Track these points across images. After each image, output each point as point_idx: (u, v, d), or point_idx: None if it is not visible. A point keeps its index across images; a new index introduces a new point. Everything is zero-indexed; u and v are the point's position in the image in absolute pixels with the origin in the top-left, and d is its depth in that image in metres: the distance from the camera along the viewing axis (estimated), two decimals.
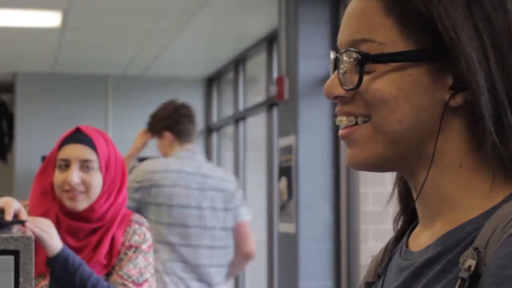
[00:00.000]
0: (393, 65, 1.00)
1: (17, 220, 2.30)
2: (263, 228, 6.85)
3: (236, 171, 7.89)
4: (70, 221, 2.62)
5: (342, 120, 1.04)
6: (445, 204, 1.02)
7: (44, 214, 2.63)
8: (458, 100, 0.99)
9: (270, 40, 6.81)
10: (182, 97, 9.06)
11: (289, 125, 5.42)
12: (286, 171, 5.46)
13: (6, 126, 9.31)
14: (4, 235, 1.71)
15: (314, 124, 5.28)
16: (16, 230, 2.30)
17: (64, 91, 8.70)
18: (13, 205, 2.31)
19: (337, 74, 1.03)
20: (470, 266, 0.93)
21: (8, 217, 2.26)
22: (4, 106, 9.39)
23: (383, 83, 1.00)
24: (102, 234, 2.63)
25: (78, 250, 2.60)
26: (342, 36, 1.04)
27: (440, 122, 0.99)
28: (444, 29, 0.98)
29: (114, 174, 2.66)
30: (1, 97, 9.45)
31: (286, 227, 5.47)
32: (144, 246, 2.65)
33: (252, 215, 4.46)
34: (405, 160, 1.02)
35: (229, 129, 8.42)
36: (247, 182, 7.80)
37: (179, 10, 6.02)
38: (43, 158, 9.18)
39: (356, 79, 1.01)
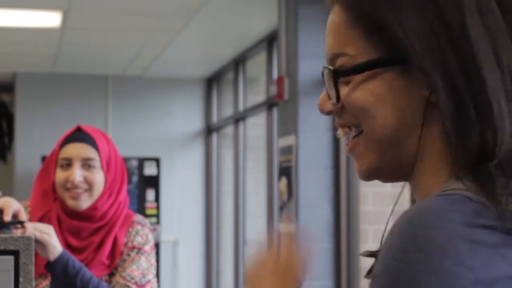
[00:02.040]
0: (365, 74, 1.03)
1: (16, 220, 2.29)
2: (263, 228, 6.85)
3: (236, 171, 7.89)
4: (71, 221, 2.62)
5: (340, 133, 1.09)
6: (420, 198, 1.03)
7: (45, 215, 2.63)
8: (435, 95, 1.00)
9: (270, 40, 6.81)
10: (182, 97, 9.11)
11: (289, 125, 5.42)
12: (286, 171, 5.46)
13: (6, 126, 9.31)
14: (4, 235, 1.71)
15: (314, 124, 5.28)
16: (15, 231, 2.30)
17: (64, 91, 8.70)
18: (12, 206, 2.31)
19: (325, 90, 1.08)
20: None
21: (7, 217, 2.26)
22: (4, 106, 9.39)
23: (359, 93, 1.03)
24: (104, 234, 2.63)
25: (80, 250, 2.60)
26: (325, 51, 1.09)
27: (422, 116, 1.01)
28: (394, 36, 1.00)
29: (115, 172, 2.66)
30: (1, 97, 9.45)
31: (286, 227, 5.47)
32: (147, 247, 2.66)
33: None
34: (400, 163, 1.04)
35: (229, 129, 8.42)
36: (247, 182, 7.80)
37: (179, 10, 6.02)
38: (43, 158, 9.28)
39: (335, 93, 1.06)
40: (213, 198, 8.88)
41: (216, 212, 8.86)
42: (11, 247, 1.69)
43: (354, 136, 1.06)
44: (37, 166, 8.03)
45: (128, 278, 2.59)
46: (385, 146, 1.03)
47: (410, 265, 0.87)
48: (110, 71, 8.67)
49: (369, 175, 1.07)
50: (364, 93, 1.03)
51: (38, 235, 2.38)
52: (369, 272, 0.99)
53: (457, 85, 0.97)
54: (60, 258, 2.45)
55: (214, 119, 8.95)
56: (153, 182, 8.64)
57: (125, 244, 2.64)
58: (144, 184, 8.60)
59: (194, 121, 9.02)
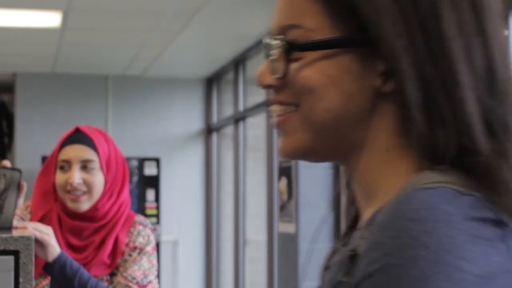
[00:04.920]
0: (321, 52, 0.97)
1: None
2: (263, 228, 6.85)
3: (236, 171, 7.90)
4: (72, 221, 2.63)
5: (275, 109, 1.02)
6: (373, 189, 0.99)
7: (46, 215, 2.64)
8: (390, 86, 0.96)
9: None
10: (182, 97, 9.12)
11: None
12: (286, 171, 5.46)
13: (6, 126, 9.31)
14: (4, 235, 1.71)
15: None
16: (15, 231, 2.29)
17: (64, 91, 8.70)
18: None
19: (268, 62, 1.01)
20: (357, 245, 0.93)
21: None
22: (4, 106, 9.39)
23: (311, 71, 0.97)
24: (105, 233, 2.64)
25: (81, 249, 2.61)
26: (273, 22, 1.02)
27: (371, 108, 0.97)
28: (366, 15, 0.95)
29: (115, 172, 2.66)
30: (1, 97, 9.45)
31: (286, 227, 5.47)
32: (148, 248, 2.66)
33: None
34: (337, 149, 1.00)
35: (229, 129, 8.42)
36: (247, 182, 7.80)
37: (179, 10, 6.02)
38: (43, 158, 9.22)
39: (283, 67, 0.99)
40: (213, 198, 8.88)
41: (216, 212, 8.86)
42: (11, 247, 1.69)
43: (288, 112, 1.00)
44: (37, 166, 8.02)
45: (129, 278, 2.59)
46: (324, 129, 0.98)
47: (412, 261, 0.83)
48: (110, 71, 8.68)
49: (297, 154, 1.02)
50: (316, 72, 0.97)
51: (38, 235, 2.39)
52: (347, 274, 0.94)
53: (427, 76, 0.93)
54: (58, 259, 2.45)
55: (214, 119, 8.95)
56: (153, 182, 8.64)
57: (127, 244, 2.65)
58: (144, 184, 8.60)
59: (194, 121, 9.02)
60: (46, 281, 2.58)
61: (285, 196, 5.47)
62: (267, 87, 1.03)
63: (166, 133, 8.91)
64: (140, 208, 8.43)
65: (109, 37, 7.09)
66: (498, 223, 0.88)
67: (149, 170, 8.65)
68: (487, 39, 0.96)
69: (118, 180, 2.67)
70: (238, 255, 7.82)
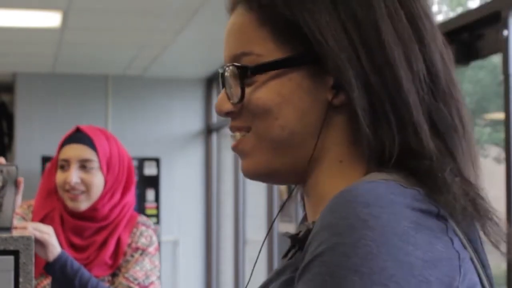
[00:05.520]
0: (272, 73, 1.01)
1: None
2: (263, 228, 6.85)
3: (236, 171, 7.90)
4: (74, 220, 2.63)
5: (236, 135, 1.06)
6: (325, 199, 1.01)
7: (48, 214, 2.64)
8: (341, 98, 1.00)
9: None
10: (182, 97, 9.11)
11: None
12: None
13: (6, 126, 9.31)
14: (4, 235, 1.71)
15: None
16: (15, 231, 2.29)
17: (64, 91, 8.70)
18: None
19: (225, 90, 1.06)
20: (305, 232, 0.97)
21: None
22: (4, 106, 9.39)
23: (264, 92, 1.02)
24: (107, 234, 2.64)
25: (82, 249, 2.61)
26: (225, 53, 1.07)
27: (323, 121, 1.01)
28: (310, 33, 1.00)
29: (117, 172, 2.66)
30: (1, 97, 9.45)
31: (286, 227, 5.47)
32: (151, 249, 2.66)
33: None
34: (296, 165, 1.04)
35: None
36: (247, 182, 7.80)
37: (179, 10, 6.02)
38: (43, 158, 9.14)
39: (239, 92, 1.03)
40: (213, 198, 8.89)
41: (216, 212, 8.87)
42: (11, 247, 1.69)
43: (244, 135, 1.05)
44: (37, 166, 8.02)
45: (131, 279, 2.59)
46: (280, 146, 1.02)
47: (359, 240, 0.87)
48: (110, 71, 8.68)
49: (256, 175, 1.06)
50: (270, 92, 1.02)
51: (38, 234, 2.39)
52: (286, 255, 0.96)
53: (372, 84, 0.98)
54: (58, 258, 2.45)
55: (214, 119, 8.96)
56: (153, 182, 8.64)
57: (129, 245, 2.65)
58: (144, 184, 8.61)
59: (194, 121, 9.03)
60: (47, 281, 2.58)
61: (285, 196, 5.47)
62: (226, 114, 1.06)
63: (166, 133, 8.91)
64: (140, 208, 8.43)
65: (109, 37, 7.09)
66: (440, 217, 0.92)
67: (149, 170, 8.65)
68: (424, 45, 1.01)
69: (120, 180, 2.67)
70: (238, 255, 7.82)
